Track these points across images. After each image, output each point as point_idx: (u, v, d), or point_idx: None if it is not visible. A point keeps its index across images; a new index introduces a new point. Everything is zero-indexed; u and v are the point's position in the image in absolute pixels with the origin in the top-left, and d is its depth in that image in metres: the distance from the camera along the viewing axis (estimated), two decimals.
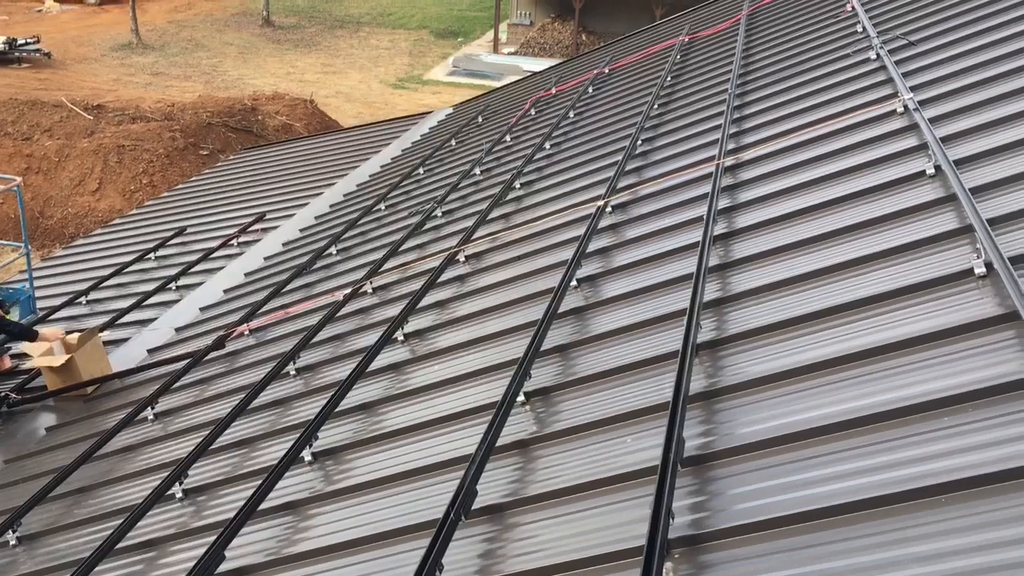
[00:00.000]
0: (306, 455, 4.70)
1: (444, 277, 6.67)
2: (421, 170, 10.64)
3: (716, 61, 9.85)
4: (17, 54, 33.44)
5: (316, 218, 10.62)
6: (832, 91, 7.05)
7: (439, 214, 8.46)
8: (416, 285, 6.65)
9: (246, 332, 7.28)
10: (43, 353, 7.38)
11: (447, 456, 4.15)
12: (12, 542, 5.16)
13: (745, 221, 5.40)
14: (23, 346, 7.70)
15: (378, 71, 35.45)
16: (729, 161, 6.39)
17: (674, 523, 2.95)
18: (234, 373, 6.69)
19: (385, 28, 42.69)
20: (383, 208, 9.64)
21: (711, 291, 4.62)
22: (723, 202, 5.75)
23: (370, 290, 7.13)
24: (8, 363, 8.35)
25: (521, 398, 4.33)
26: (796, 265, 4.58)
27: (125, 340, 8.36)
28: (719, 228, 5.37)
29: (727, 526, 2.94)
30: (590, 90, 11.08)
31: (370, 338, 6.07)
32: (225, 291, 8.96)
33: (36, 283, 9.21)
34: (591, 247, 5.93)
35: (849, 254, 4.41)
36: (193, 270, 9.73)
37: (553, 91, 11.99)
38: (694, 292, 4.38)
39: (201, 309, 8.64)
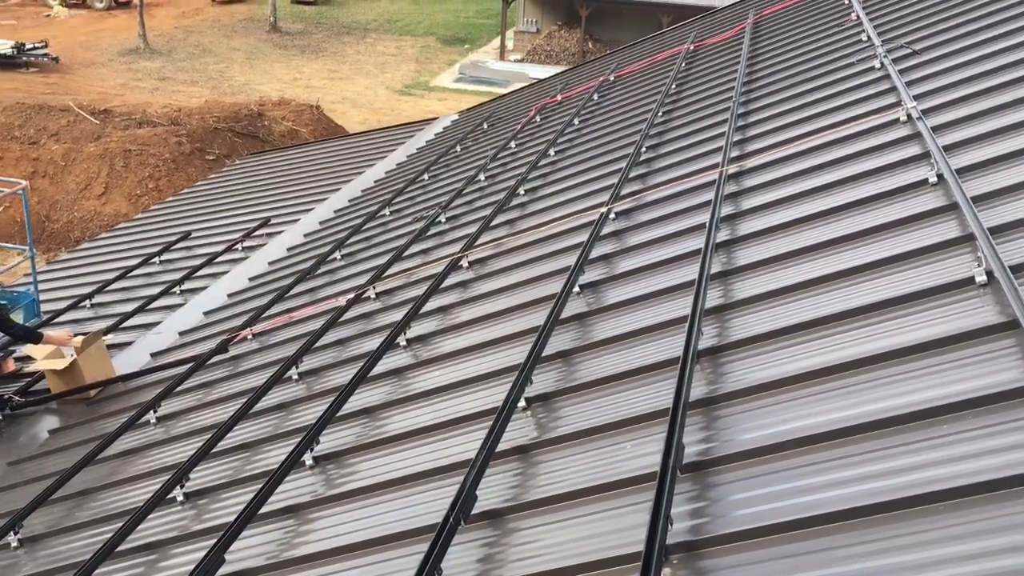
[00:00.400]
0: (307, 459, 4.71)
1: (447, 282, 6.68)
2: (426, 176, 10.66)
3: (721, 69, 9.87)
4: (25, 58, 33.61)
5: (321, 223, 10.65)
6: (836, 99, 7.06)
7: (443, 220, 8.48)
8: (419, 290, 6.66)
9: (249, 336, 7.30)
10: (47, 356, 7.40)
11: (448, 461, 4.16)
12: (14, 544, 5.17)
13: (748, 228, 5.41)
14: (27, 349, 7.72)
15: (384, 77, 35.55)
16: (732, 168, 6.40)
17: (673, 529, 2.95)
18: (237, 377, 6.70)
19: (392, 34, 42.81)
20: (387, 213, 9.66)
21: (713, 298, 4.63)
22: (726, 209, 5.75)
23: (373, 295, 7.14)
24: (12, 366, 8.38)
25: (522, 403, 4.34)
26: (798, 272, 4.58)
27: (129, 344, 8.38)
28: (722, 235, 5.38)
29: (726, 532, 2.94)
30: (595, 97, 11.10)
31: (373, 343, 6.08)
32: (229, 295, 8.99)
33: (41, 286, 9.24)
34: (594, 253, 5.94)
35: (851, 262, 4.42)
36: (198, 274, 9.76)
37: (559, 98, 12.01)
38: (696, 299, 4.38)
39: (205, 313, 8.66)
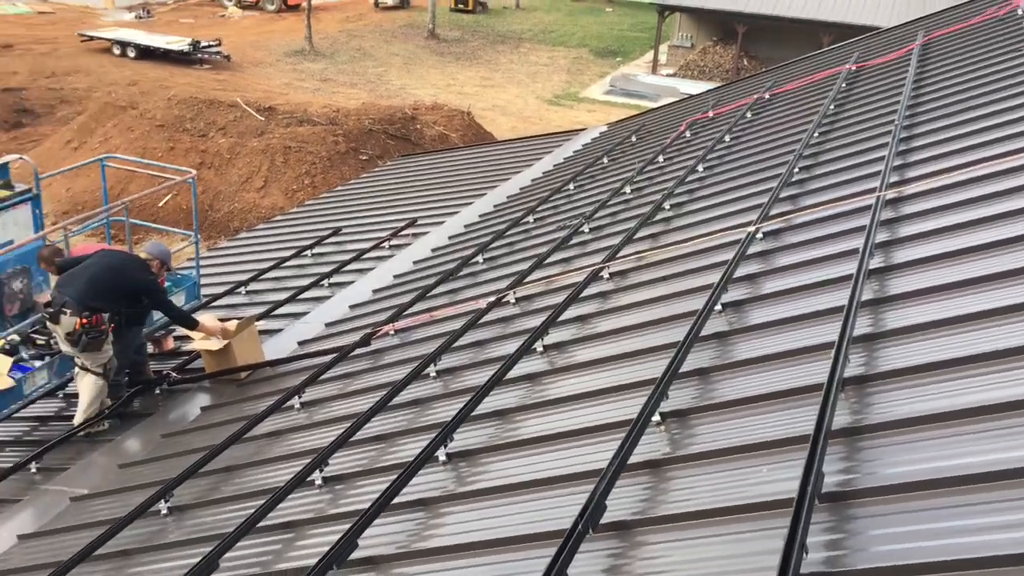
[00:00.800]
0: (441, 455, 4.81)
1: (587, 292, 6.70)
2: (571, 186, 10.72)
3: (884, 91, 9.52)
4: (200, 55, 35.70)
5: (465, 227, 10.85)
6: (1008, 128, 6.70)
7: (586, 230, 8.50)
8: (559, 298, 6.71)
9: (391, 332, 7.51)
10: (203, 337, 7.83)
11: (578, 468, 4.17)
12: (163, 511, 5.48)
13: (904, 257, 5.20)
14: (184, 330, 8.18)
15: (535, 87, 35.93)
16: (891, 194, 6.17)
17: (808, 558, 2.87)
18: (377, 370, 6.91)
19: (545, 45, 43.25)
20: (531, 221, 9.76)
21: (862, 325, 4.47)
22: (881, 236, 5.55)
23: (513, 300, 7.23)
24: (171, 344, 8.90)
25: (657, 418, 4.30)
26: (957, 306, 4.37)
27: (279, 331, 8.76)
28: (875, 262, 5.19)
29: (864, 567, 2.84)
30: (748, 115, 10.90)
31: (510, 347, 6.16)
32: (374, 291, 9.27)
33: (201, 271, 9.77)
34: (739, 272, 5.84)
35: (1015, 298, 4.18)
36: (345, 269, 10.11)
37: (710, 114, 11.86)
38: (844, 325, 4.25)
39: (351, 307, 8.96)
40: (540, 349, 5.95)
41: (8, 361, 7.15)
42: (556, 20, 48.50)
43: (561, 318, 6.31)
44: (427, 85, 35.12)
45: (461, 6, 48.50)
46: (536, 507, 4.04)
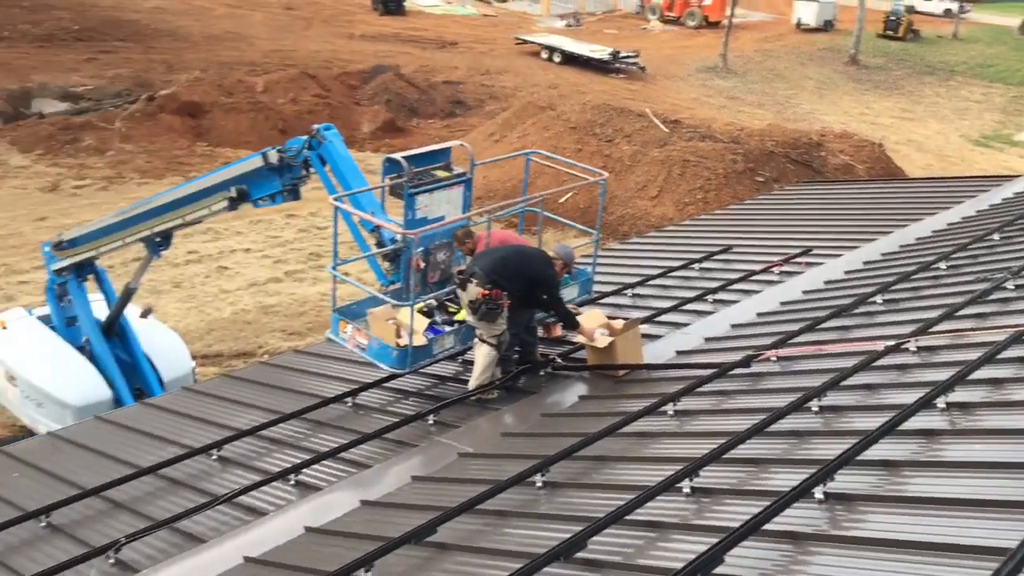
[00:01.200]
0: (818, 492, 4.63)
1: (1006, 354, 6.06)
2: (996, 236, 9.74)
3: None
4: (617, 65, 37.31)
5: (865, 263, 10.30)
6: None
7: (1010, 286, 7.69)
8: (970, 355, 6.14)
9: (773, 358, 7.34)
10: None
11: (978, 542, 3.81)
12: (539, 484, 5.84)
13: None
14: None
15: (961, 124, 33.09)
16: None
17: None
18: (755, 394, 6.80)
19: (981, 80, 39.64)
20: (943, 267, 9.02)
21: None
22: None
23: (914, 348, 6.74)
24: (558, 332, 9.42)
25: None
26: None
27: (658, 337, 8.92)
28: None
29: None
30: None
31: (906, 397, 5.75)
32: (759, 314, 9.11)
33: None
34: None
35: None
36: (731, 287, 10.05)
37: None
38: None
39: (732, 326, 8.89)
40: (942, 406, 5.50)
41: (425, 322, 8.03)
42: (998, 54, 44.21)
43: (971, 377, 5.78)
44: (838, 112, 33.74)
45: (890, 32, 45.89)
46: (922, 571, 3.75)
